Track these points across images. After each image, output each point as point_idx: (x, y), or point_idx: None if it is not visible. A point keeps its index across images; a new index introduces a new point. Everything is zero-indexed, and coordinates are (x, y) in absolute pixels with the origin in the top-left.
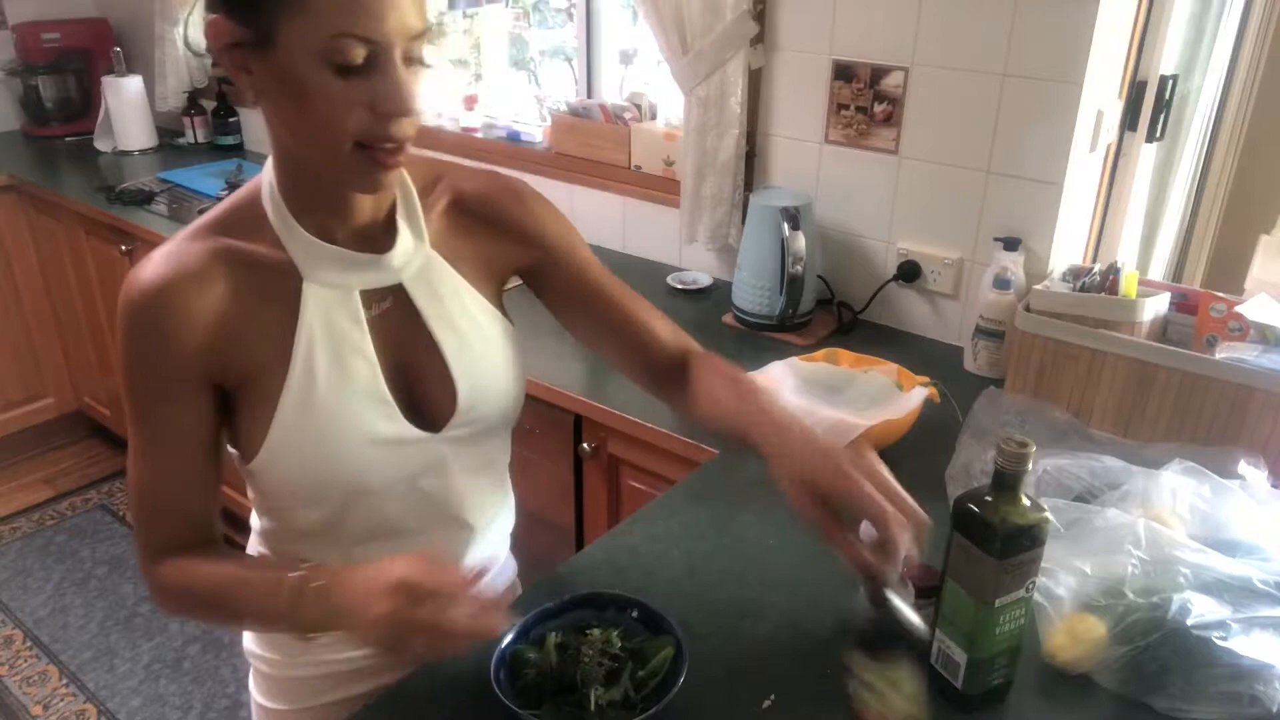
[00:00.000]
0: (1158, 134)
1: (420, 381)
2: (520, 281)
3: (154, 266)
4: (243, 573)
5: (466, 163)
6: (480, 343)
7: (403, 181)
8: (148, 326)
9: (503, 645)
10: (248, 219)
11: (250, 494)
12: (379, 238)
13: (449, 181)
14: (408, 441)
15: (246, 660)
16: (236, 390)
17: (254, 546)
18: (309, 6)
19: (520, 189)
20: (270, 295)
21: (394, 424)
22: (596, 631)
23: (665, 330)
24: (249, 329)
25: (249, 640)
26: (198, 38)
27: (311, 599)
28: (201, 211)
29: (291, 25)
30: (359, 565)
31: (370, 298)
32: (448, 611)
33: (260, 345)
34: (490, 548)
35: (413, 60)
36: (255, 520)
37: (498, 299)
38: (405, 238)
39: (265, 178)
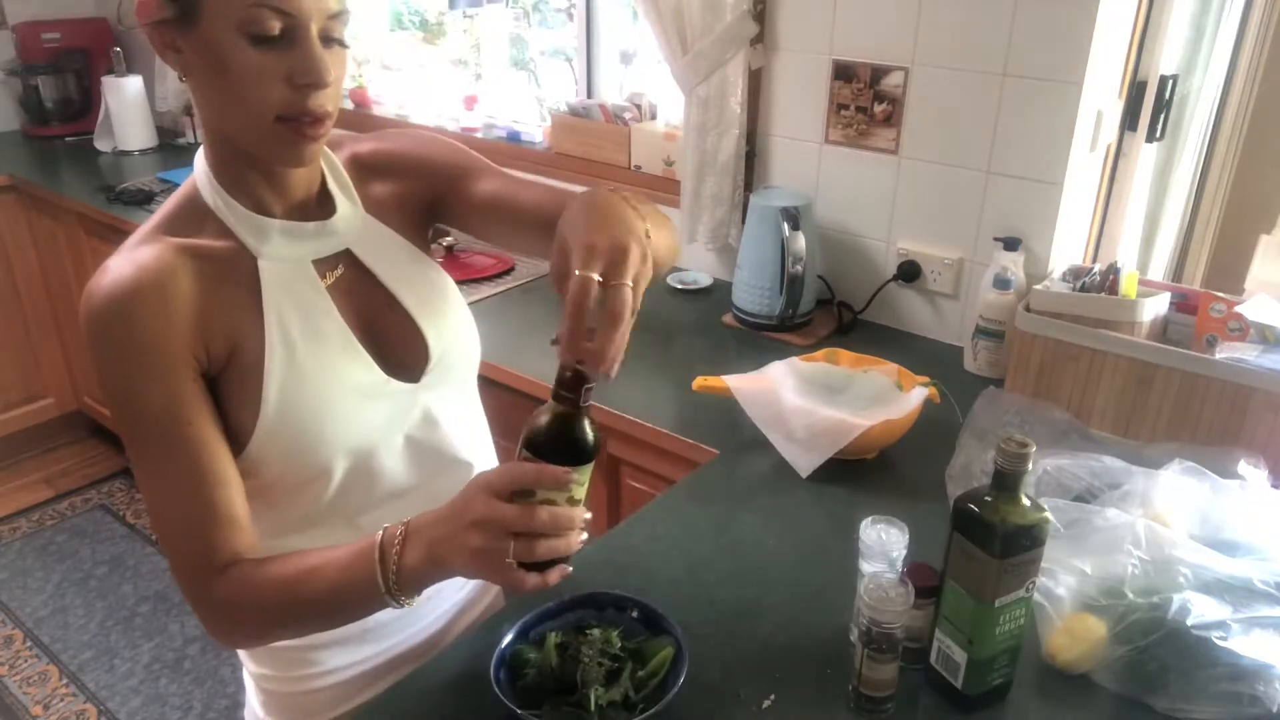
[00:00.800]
0: (1158, 134)
1: (389, 338)
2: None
3: (114, 275)
4: (314, 558)
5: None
6: (432, 292)
7: (326, 154)
8: (129, 331)
9: (503, 645)
10: (190, 214)
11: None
12: (314, 210)
13: (347, 149)
14: (391, 394)
15: (243, 678)
16: (219, 379)
17: None
18: None
19: (399, 130)
20: (230, 280)
21: (374, 377)
22: (596, 631)
23: (546, 198)
24: (219, 316)
25: (248, 658)
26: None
27: (406, 550)
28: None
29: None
30: (435, 507)
31: (323, 267)
32: (537, 511)
33: (233, 329)
34: None
35: (331, 39)
36: None
37: (427, 248)
38: (343, 204)
39: (199, 169)
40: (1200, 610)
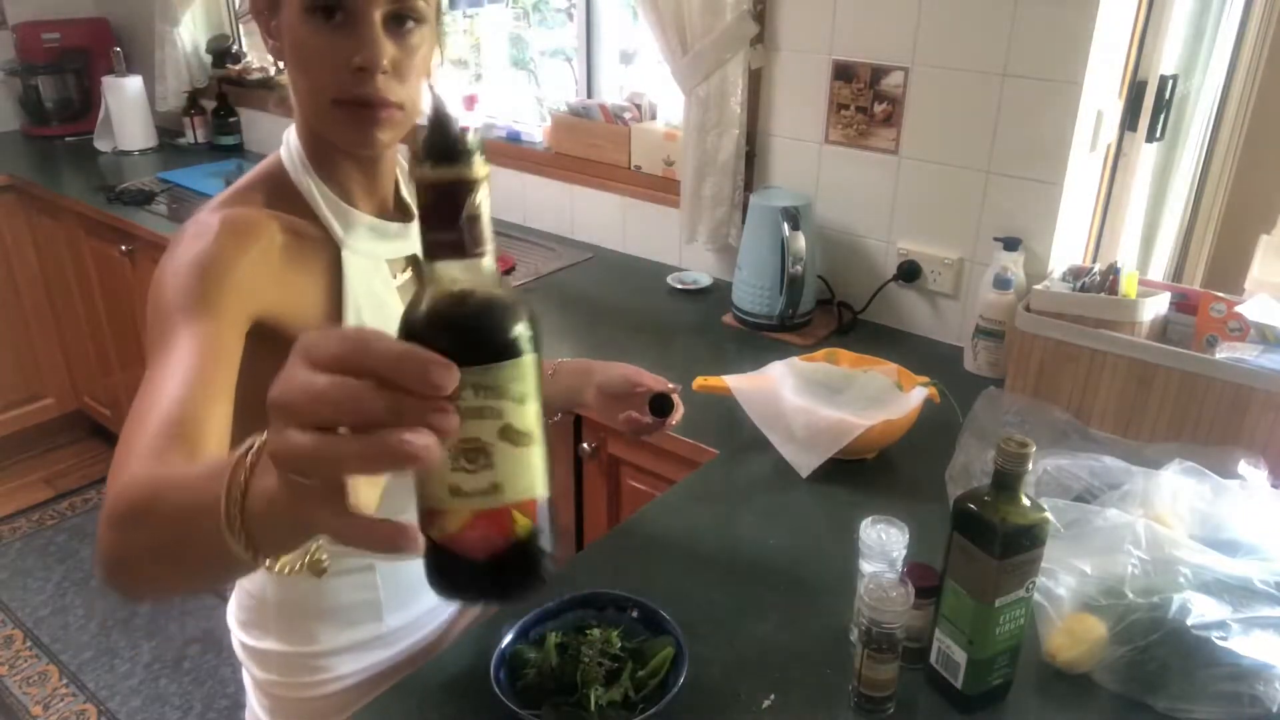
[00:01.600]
0: (1158, 134)
1: None
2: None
3: (206, 219)
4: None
5: None
6: None
7: (400, 157)
8: (217, 247)
9: (503, 645)
10: (277, 191)
11: None
12: (392, 211)
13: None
14: None
15: (245, 683)
16: (283, 347)
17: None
18: None
19: None
20: (312, 260)
21: None
22: (596, 631)
23: None
24: (297, 289)
25: (253, 664)
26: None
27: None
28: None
29: None
30: None
31: (393, 268)
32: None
33: (309, 306)
34: None
35: (406, 18)
36: None
37: None
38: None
39: (290, 149)
40: (1200, 610)
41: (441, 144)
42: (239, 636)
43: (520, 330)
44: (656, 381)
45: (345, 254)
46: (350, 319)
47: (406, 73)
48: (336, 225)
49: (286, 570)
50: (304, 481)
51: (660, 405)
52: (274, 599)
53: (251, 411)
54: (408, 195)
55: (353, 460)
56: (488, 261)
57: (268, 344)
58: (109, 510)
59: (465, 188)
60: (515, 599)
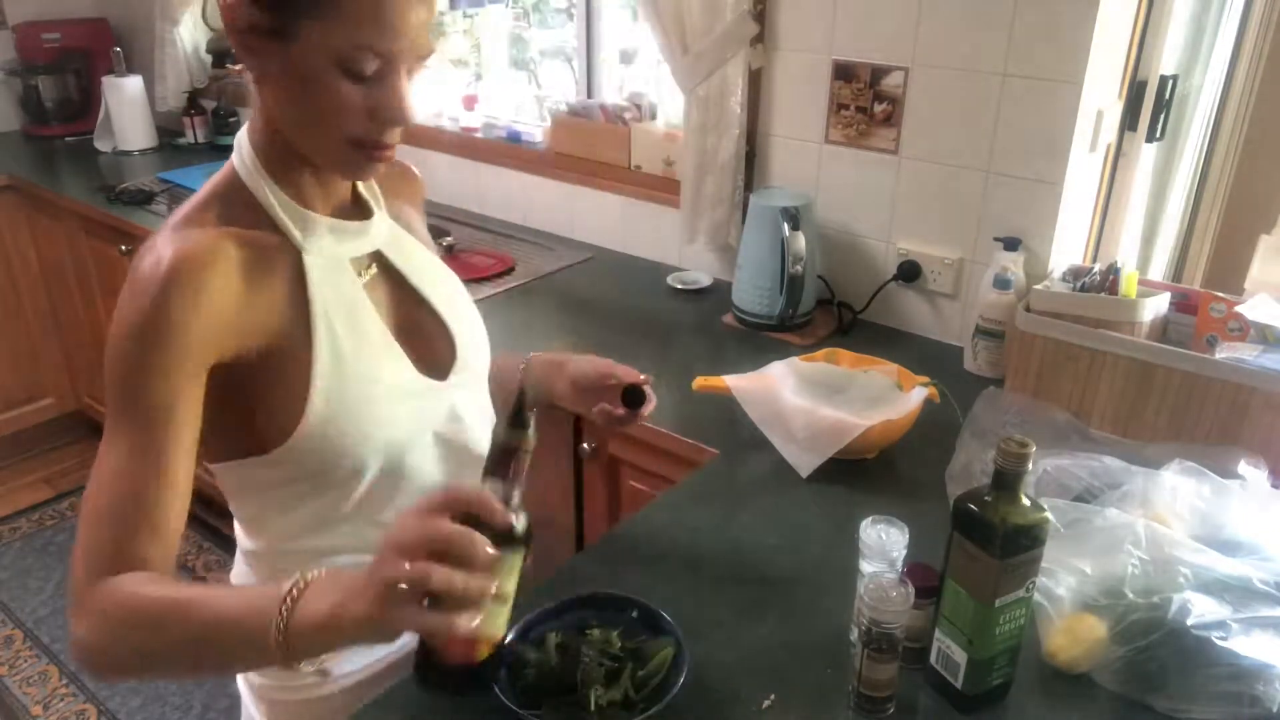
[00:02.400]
0: (1158, 134)
1: (418, 337)
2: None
3: (160, 251)
4: (214, 589)
5: None
6: (455, 294)
7: None
8: (157, 315)
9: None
10: (234, 201)
11: (242, 504)
12: (350, 210)
13: None
14: (424, 391)
15: (239, 690)
16: (257, 372)
17: (242, 575)
18: (336, 13)
19: (414, 173)
20: (272, 273)
21: (410, 375)
22: (596, 631)
23: None
24: (262, 304)
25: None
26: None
27: (307, 594)
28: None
29: (314, 26)
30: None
31: (356, 266)
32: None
33: (276, 319)
34: None
35: (412, 73)
36: (246, 540)
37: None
38: (375, 208)
39: (243, 156)
40: (1200, 610)
41: (517, 417)
42: None
43: (525, 533)
44: (628, 374)
45: (306, 258)
46: (319, 324)
47: (412, 117)
48: (295, 230)
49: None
50: (398, 606)
51: (633, 397)
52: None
53: (222, 428)
54: (366, 194)
55: (450, 602)
56: (519, 492)
57: (235, 369)
58: (112, 616)
59: (522, 449)
60: (462, 694)
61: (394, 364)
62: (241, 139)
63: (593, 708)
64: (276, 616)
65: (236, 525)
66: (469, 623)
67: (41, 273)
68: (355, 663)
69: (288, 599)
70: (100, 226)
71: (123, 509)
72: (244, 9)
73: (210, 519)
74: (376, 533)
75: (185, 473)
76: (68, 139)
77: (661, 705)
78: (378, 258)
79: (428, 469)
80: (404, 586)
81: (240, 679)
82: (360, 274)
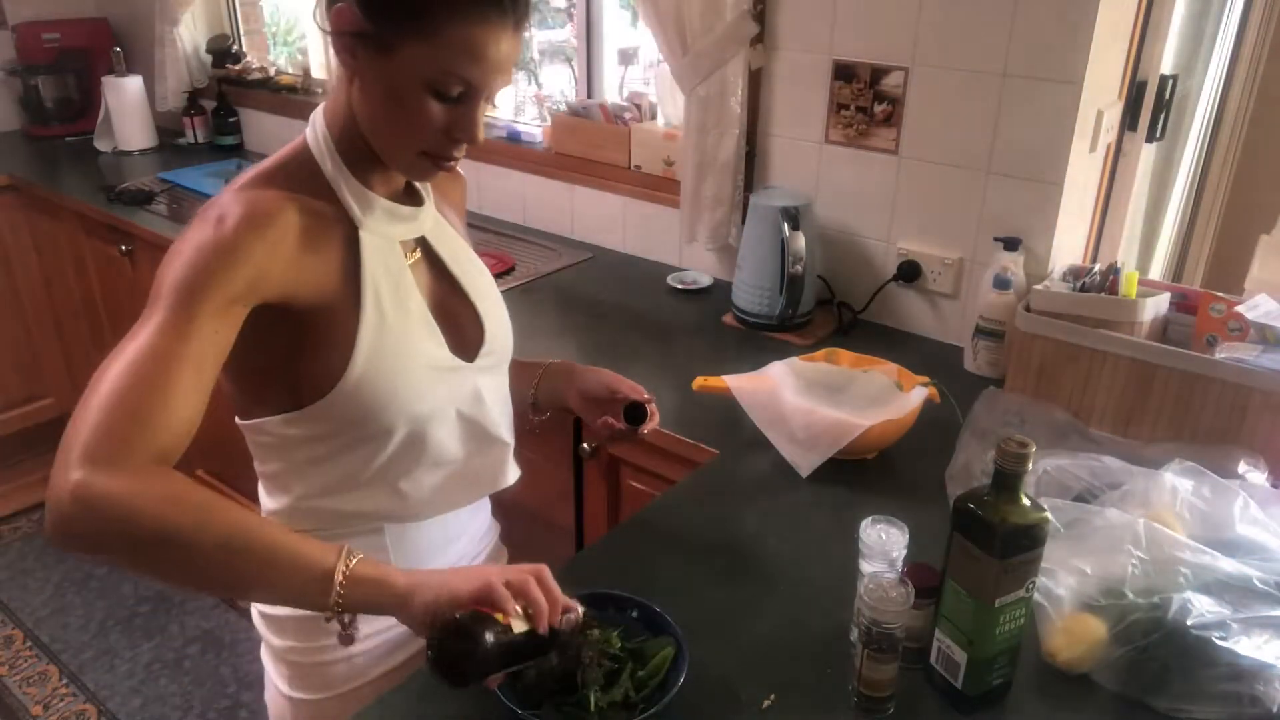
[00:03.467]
0: (1157, 134)
1: (453, 320)
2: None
3: (225, 203)
4: (271, 524)
5: None
6: (488, 285)
7: None
8: (227, 237)
9: None
10: (300, 173)
11: (267, 461)
12: (403, 197)
13: None
14: (453, 370)
15: (262, 657)
16: (303, 324)
17: None
18: (436, 40)
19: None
20: (331, 239)
21: (443, 353)
22: (596, 631)
23: None
24: (315, 267)
25: (270, 632)
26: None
27: (364, 563)
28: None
29: (414, 46)
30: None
31: (405, 248)
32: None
33: (328, 282)
34: (514, 466)
35: (490, 99)
36: (268, 499)
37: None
38: (426, 196)
39: (318, 135)
40: (1200, 610)
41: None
42: (258, 606)
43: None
44: (633, 390)
45: (362, 234)
46: (368, 294)
47: (482, 139)
48: (355, 207)
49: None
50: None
51: (635, 413)
52: None
53: (259, 377)
54: (418, 184)
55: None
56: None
57: (282, 317)
58: (149, 485)
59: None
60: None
61: (430, 340)
62: (317, 117)
63: (593, 708)
64: (340, 559)
65: (260, 486)
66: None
67: (41, 273)
68: (371, 627)
69: (345, 552)
70: (100, 226)
71: (150, 400)
72: (352, 14)
73: None
74: (393, 500)
75: (206, 383)
76: (68, 139)
77: (661, 705)
78: (422, 243)
79: (449, 443)
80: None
81: (263, 648)
82: (407, 255)
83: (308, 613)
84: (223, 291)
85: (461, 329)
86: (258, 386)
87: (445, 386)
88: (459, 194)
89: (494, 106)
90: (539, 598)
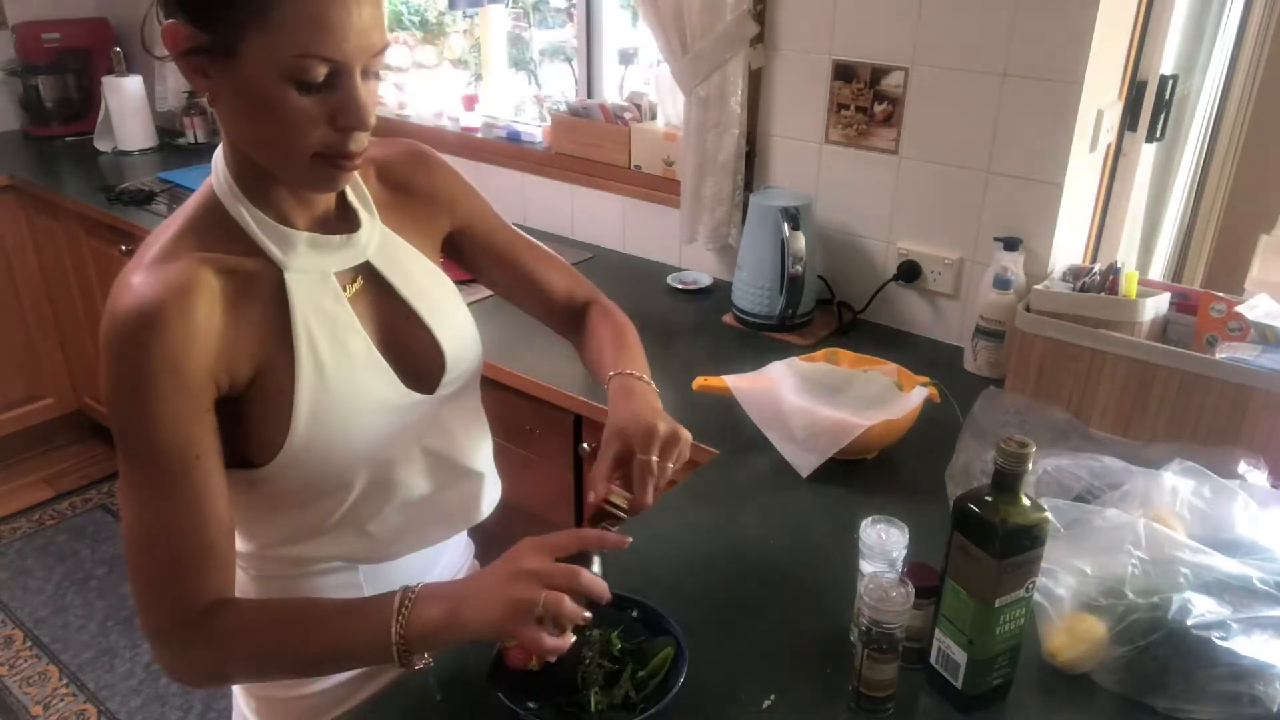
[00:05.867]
0: (1158, 134)
1: (406, 350)
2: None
3: (137, 294)
4: (320, 607)
5: None
6: (446, 302)
7: None
8: (149, 356)
9: (503, 645)
10: (211, 223)
11: (234, 509)
12: (335, 222)
13: (372, 154)
14: (410, 406)
15: (232, 691)
16: (241, 400)
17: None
18: (274, 25)
19: (427, 155)
20: (255, 296)
21: (396, 390)
22: (596, 632)
23: (561, 281)
24: (244, 336)
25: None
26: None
27: (418, 608)
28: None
29: (255, 40)
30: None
31: (343, 279)
32: (581, 571)
33: (259, 349)
34: (497, 486)
35: (370, 74)
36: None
37: (437, 260)
38: (364, 216)
39: (219, 177)
40: (1200, 610)
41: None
42: None
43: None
44: (639, 486)
45: (288, 277)
46: (301, 344)
47: (372, 120)
48: (275, 249)
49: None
50: (526, 610)
51: (600, 516)
52: (256, 598)
53: (228, 448)
54: (355, 200)
55: (565, 610)
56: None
57: (230, 394)
58: (215, 643)
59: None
60: (513, 696)
61: (378, 379)
62: (217, 160)
63: (593, 708)
64: (395, 625)
65: None
66: (566, 644)
67: (41, 273)
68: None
69: (402, 608)
70: (100, 226)
71: (181, 559)
72: (182, 29)
73: None
74: (362, 543)
75: (223, 499)
76: (68, 139)
77: (661, 705)
78: (365, 269)
79: (415, 482)
80: (537, 609)
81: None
82: (345, 288)
83: None
84: (178, 425)
85: (417, 359)
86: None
87: (402, 424)
88: (441, 177)
89: (378, 79)
90: (572, 613)
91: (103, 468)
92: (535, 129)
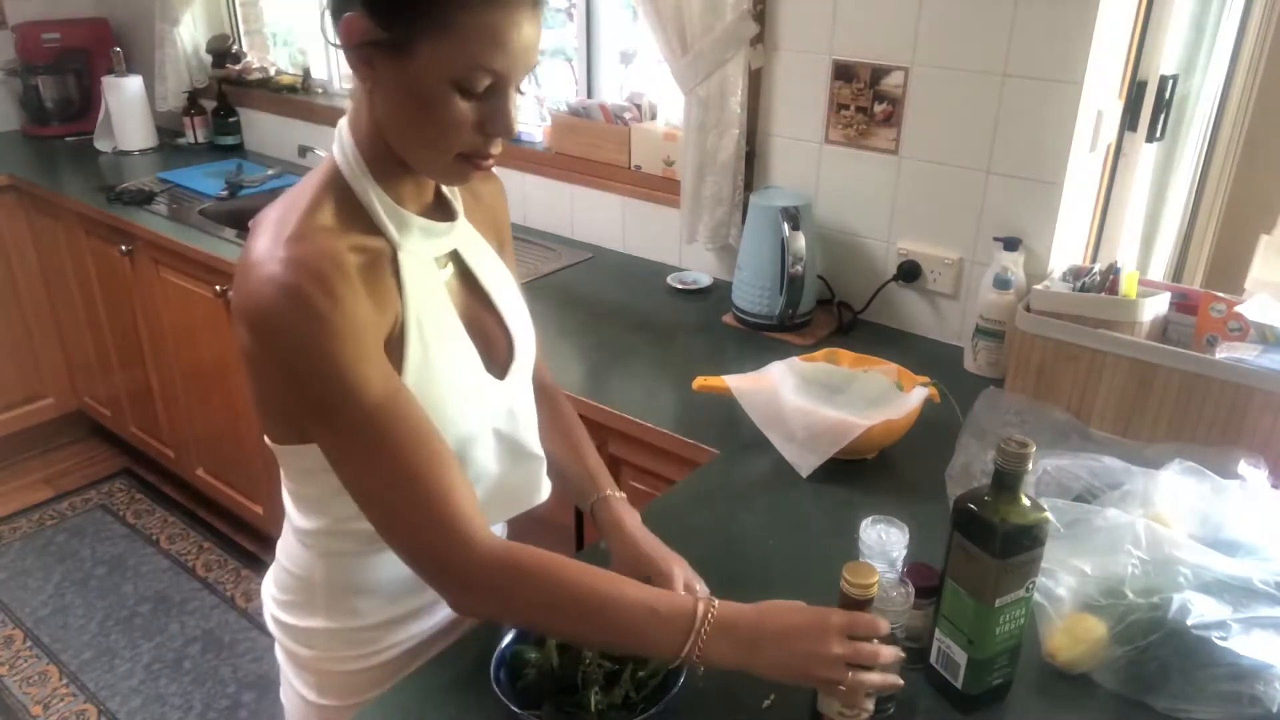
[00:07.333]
0: (1158, 134)
1: (483, 335)
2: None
3: (300, 266)
4: (626, 584)
5: None
6: (515, 297)
7: None
8: (336, 318)
9: (503, 645)
10: (339, 202)
11: (304, 484)
12: (434, 210)
13: None
14: (487, 388)
15: (280, 661)
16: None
17: (294, 550)
18: (452, 35)
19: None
20: (378, 271)
21: (481, 374)
22: None
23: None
24: (379, 305)
25: (296, 643)
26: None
27: (724, 626)
28: (202, 212)
29: (432, 45)
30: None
31: (439, 263)
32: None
33: (386, 317)
34: (547, 481)
35: (518, 86)
36: (302, 519)
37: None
38: (458, 207)
39: (347, 156)
40: (1200, 610)
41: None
42: (281, 617)
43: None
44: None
45: (401, 256)
46: (411, 321)
47: (517, 130)
48: (393, 230)
49: None
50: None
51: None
52: (321, 579)
53: (295, 417)
54: (447, 193)
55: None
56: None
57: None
58: (520, 594)
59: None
60: None
61: (468, 360)
62: (344, 136)
63: (593, 709)
64: (692, 642)
65: (289, 503)
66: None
67: (41, 273)
68: (399, 635)
69: (702, 627)
70: (100, 226)
71: (433, 497)
72: (362, 23)
73: (211, 519)
74: None
75: (439, 436)
76: (68, 139)
77: (661, 706)
78: (454, 257)
79: (487, 462)
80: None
81: (283, 656)
82: (440, 271)
83: (339, 625)
84: (370, 368)
85: (492, 344)
86: (297, 416)
87: (482, 406)
88: (498, 193)
89: (522, 94)
90: (875, 682)
91: (103, 468)
92: (535, 129)
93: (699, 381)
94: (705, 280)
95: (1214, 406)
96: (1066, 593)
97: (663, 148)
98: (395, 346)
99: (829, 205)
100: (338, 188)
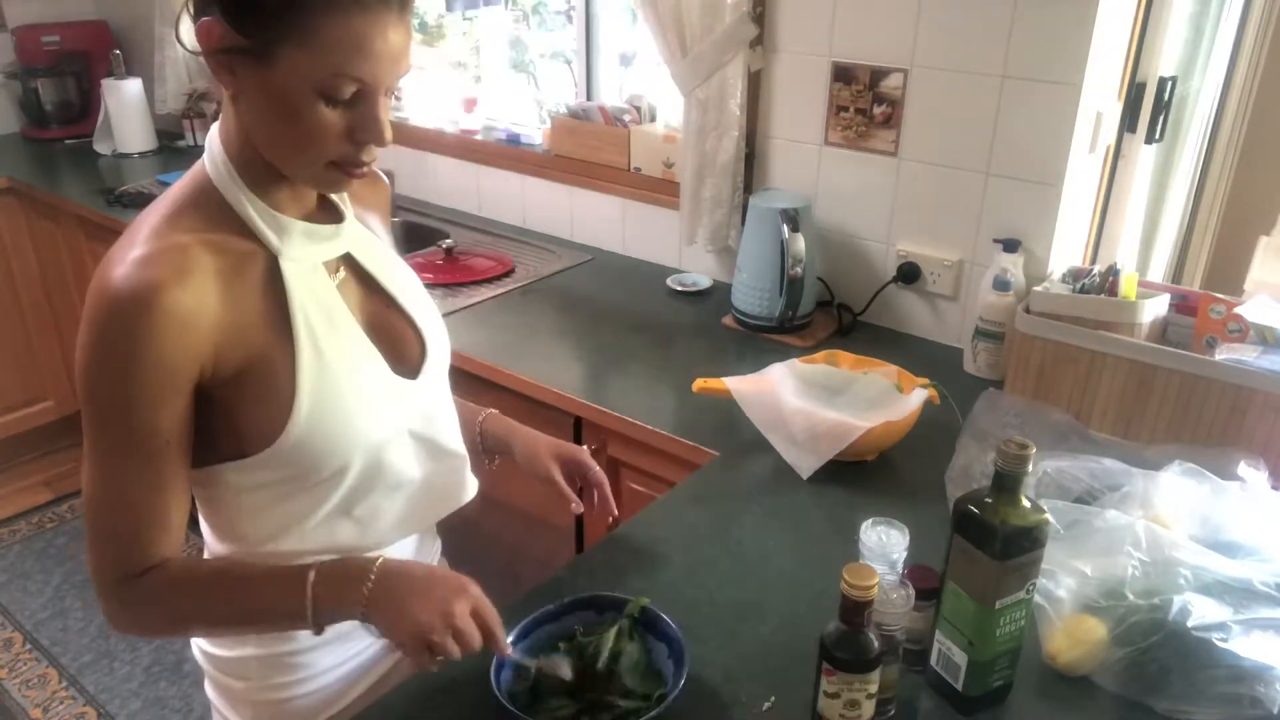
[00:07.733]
0: (1157, 135)
1: (390, 337)
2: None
3: (136, 270)
4: (248, 564)
5: None
6: (419, 293)
7: None
8: (137, 344)
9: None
10: (206, 207)
11: (214, 509)
12: (319, 214)
13: None
14: (397, 390)
15: (209, 696)
16: (234, 384)
17: None
18: (314, 43)
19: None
20: (249, 280)
21: (385, 375)
22: (597, 633)
23: None
24: (241, 315)
25: (223, 674)
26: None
27: (353, 578)
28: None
29: (292, 53)
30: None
31: (328, 268)
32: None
33: (253, 332)
34: (472, 479)
35: (389, 93)
36: (216, 544)
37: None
38: (345, 210)
39: (215, 162)
40: (1201, 612)
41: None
42: (209, 649)
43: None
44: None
45: (283, 263)
46: (300, 330)
47: (389, 137)
48: (271, 235)
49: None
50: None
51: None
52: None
53: (199, 435)
54: (334, 196)
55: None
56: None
57: (215, 375)
58: (147, 601)
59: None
60: None
61: (371, 364)
62: (214, 143)
63: (591, 709)
64: (309, 600)
65: (204, 528)
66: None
67: (41, 275)
68: (332, 659)
69: (315, 584)
70: (100, 229)
71: (133, 525)
72: (221, 30)
73: None
74: (353, 532)
75: (183, 473)
76: (67, 141)
77: (661, 707)
78: (347, 260)
79: (405, 466)
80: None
81: (214, 692)
82: (331, 276)
83: (270, 651)
84: (155, 408)
85: (402, 345)
86: (198, 443)
87: (393, 409)
88: (383, 201)
89: (397, 99)
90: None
91: None
92: (535, 131)
93: (699, 383)
94: (705, 282)
95: (1214, 408)
96: (1067, 594)
97: (662, 150)
98: (278, 356)
99: (828, 207)
100: (204, 192)
